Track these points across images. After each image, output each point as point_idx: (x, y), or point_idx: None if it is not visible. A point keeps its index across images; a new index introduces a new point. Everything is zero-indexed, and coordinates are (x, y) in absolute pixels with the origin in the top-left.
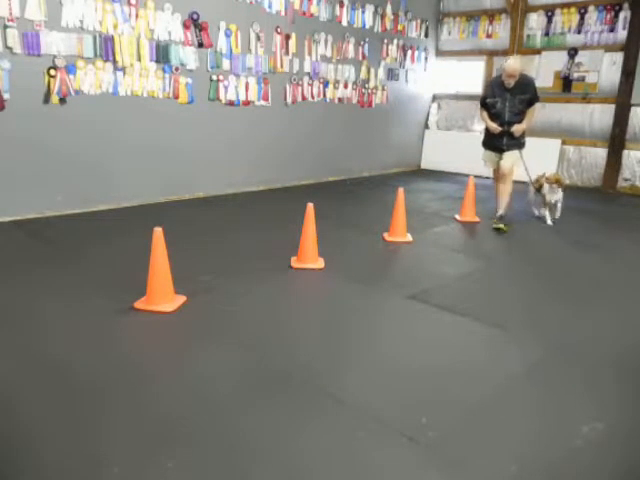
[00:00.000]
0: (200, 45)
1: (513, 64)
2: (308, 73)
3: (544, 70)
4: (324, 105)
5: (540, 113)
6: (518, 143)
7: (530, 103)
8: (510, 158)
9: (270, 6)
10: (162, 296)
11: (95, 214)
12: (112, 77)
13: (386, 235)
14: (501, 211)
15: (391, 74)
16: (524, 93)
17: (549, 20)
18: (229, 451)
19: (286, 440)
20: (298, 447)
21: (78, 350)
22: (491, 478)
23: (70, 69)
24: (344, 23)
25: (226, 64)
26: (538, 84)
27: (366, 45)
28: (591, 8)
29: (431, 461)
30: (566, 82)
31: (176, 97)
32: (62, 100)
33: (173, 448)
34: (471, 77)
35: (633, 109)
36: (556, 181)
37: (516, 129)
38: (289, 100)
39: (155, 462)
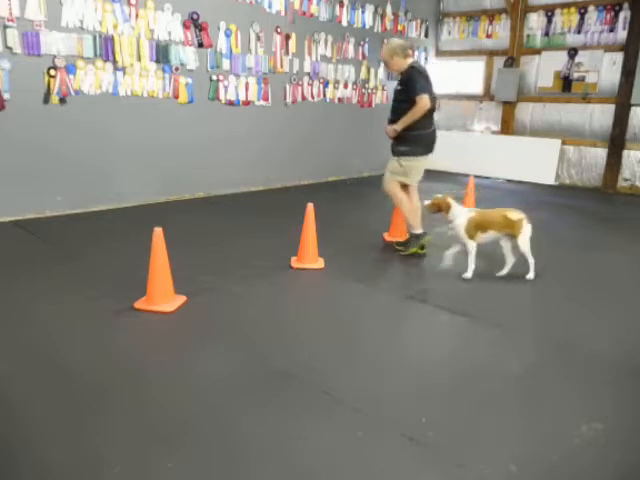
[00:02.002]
0: (200, 45)
1: (383, 48)
2: (308, 73)
3: (544, 70)
4: (324, 105)
5: (540, 113)
6: (395, 149)
7: (409, 100)
8: (387, 169)
9: (270, 6)
10: (162, 296)
11: (95, 214)
12: (112, 77)
13: (386, 235)
14: (414, 230)
15: (391, 74)
16: (400, 86)
17: (549, 20)
18: (229, 451)
19: (286, 440)
20: (298, 447)
21: (78, 350)
22: (491, 478)
23: (70, 69)
24: (344, 23)
25: (226, 64)
26: (538, 84)
27: (366, 45)
28: (591, 8)
29: (431, 461)
30: (566, 82)
31: (176, 97)
32: (62, 100)
33: (173, 448)
34: (471, 77)
35: (633, 109)
36: (437, 209)
37: (387, 129)
38: (289, 100)
39: (155, 462)
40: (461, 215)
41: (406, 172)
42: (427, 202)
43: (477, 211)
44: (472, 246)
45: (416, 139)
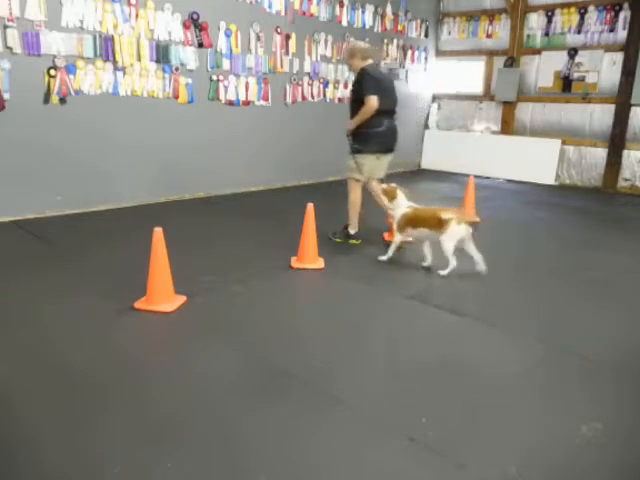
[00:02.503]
0: (200, 45)
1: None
2: (308, 73)
3: (544, 70)
4: (324, 105)
5: (540, 113)
6: (350, 146)
7: (361, 100)
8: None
9: (270, 6)
10: (162, 296)
11: (95, 214)
12: (112, 77)
13: (386, 235)
14: (350, 229)
15: (391, 74)
16: (353, 87)
17: (549, 20)
18: (229, 451)
19: (286, 440)
20: (298, 447)
21: (78, 350)
22: (491, 478)
23: (70, 69)
24: (344, 23)
25: (226, 64)
26: (538, 84)
27: None
28: (591, 8)
29: (431, 461)
30: (566, 82)
31: (176, 97)
32: (62, 100)
33: (173, 448)
34: (471, 77)
35: (633, 109)
36: (386, 196)
37: (347, 127)
38: (289, 100)
39: (155, 462)
40: (399, 208)
41: (358, 169)
42: (383, 187)
43: (414, 207)
44: (397, 238)
45: (367, 137)
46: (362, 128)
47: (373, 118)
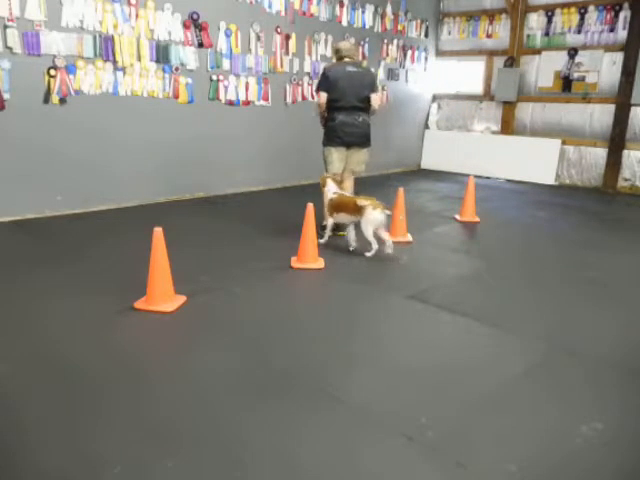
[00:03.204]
0: (200, 45)
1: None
2: (308, 73)
3: (544, 70)
4: None
5: (540, 113)
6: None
7: None
8: None
9: (270, 6)
10: (162, 296)
11: (95, 214)
12: (112, 77)
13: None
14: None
15: (391, 74)
16: None
17: (549, 20)
18: (229, 451)
19: (286, 440)
20: (298, 447)
21: (78, 350)
22: (491, 478)
23: (70, 69)
24: (344, 23)
25: (226, 64)
26: (538, 84)
27: (366, 45)
28: (591, 8)
29: (431, 461)
30: (566, 82)
31: (176, 97)
32: (62, 100)
33: (173, 448)
34: (471, 77)
35: (633, 109)
36: (321, 184)
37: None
38: (289, 100)
39: (155, 462)
40: (328, 194)
41: (324, 161)
42: (322, 176)
43: (339, 194)
44: (329, 222)
45: (327, 130)
46: (326, 122)
47: (330, 113)
